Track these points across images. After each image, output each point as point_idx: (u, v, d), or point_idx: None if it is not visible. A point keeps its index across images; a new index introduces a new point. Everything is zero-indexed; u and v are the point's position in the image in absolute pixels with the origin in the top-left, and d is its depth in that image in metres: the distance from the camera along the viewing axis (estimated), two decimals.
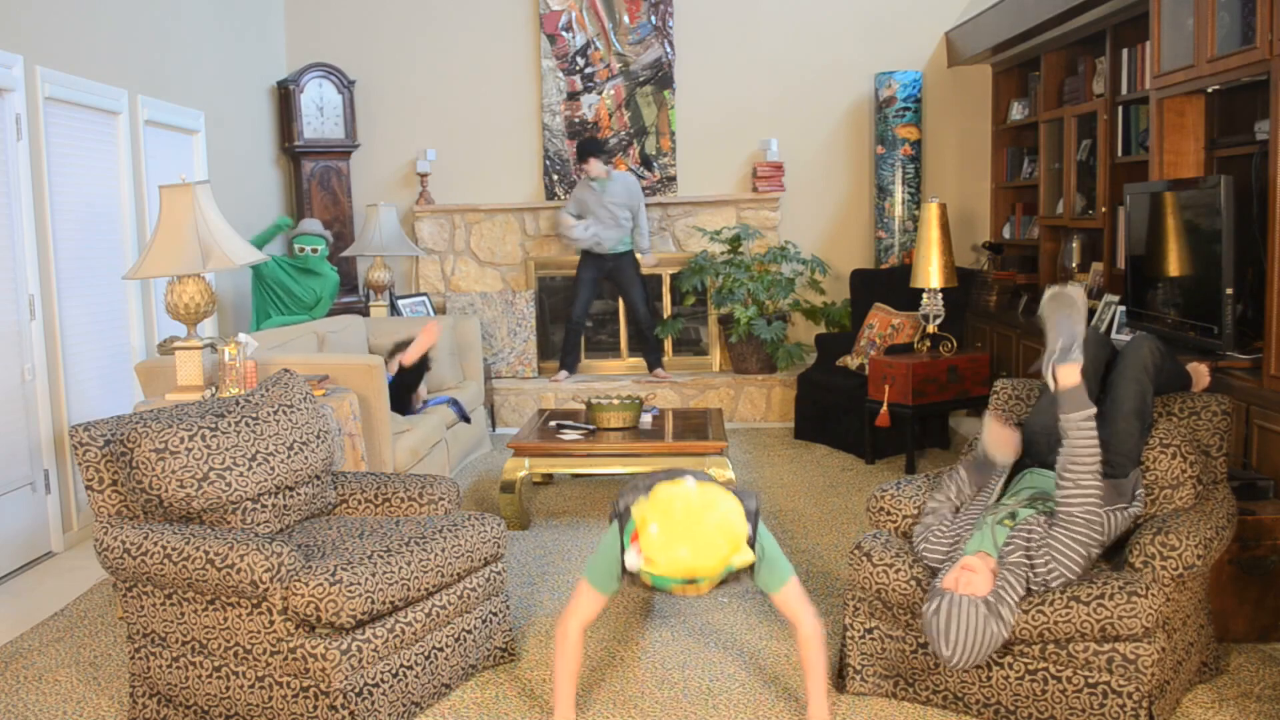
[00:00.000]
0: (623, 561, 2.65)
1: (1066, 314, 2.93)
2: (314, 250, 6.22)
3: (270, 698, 2.79)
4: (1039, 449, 3.10)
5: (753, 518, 2.73)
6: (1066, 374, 2.86)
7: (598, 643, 3.45)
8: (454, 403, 5.56)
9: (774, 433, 6.75)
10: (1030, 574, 2.74)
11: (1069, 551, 2.73)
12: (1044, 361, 2.93)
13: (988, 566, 2.73)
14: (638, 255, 7.04)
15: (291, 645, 2.73)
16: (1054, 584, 2.73)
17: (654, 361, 7.23)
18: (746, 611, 3.67)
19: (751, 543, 2.67)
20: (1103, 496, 2.80)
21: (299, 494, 3.28)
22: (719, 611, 3.68)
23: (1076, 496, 2.77)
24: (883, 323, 6.22)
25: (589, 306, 7.17)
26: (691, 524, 2.48)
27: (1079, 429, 2.81)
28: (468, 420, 5.71)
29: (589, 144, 6.84)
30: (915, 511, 3.17)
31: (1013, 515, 2.89)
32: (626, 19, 7.42)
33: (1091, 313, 5.36)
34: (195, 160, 6.14)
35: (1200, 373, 3.40)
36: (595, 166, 6.77)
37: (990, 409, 3.37)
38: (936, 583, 2.76)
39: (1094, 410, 2.83)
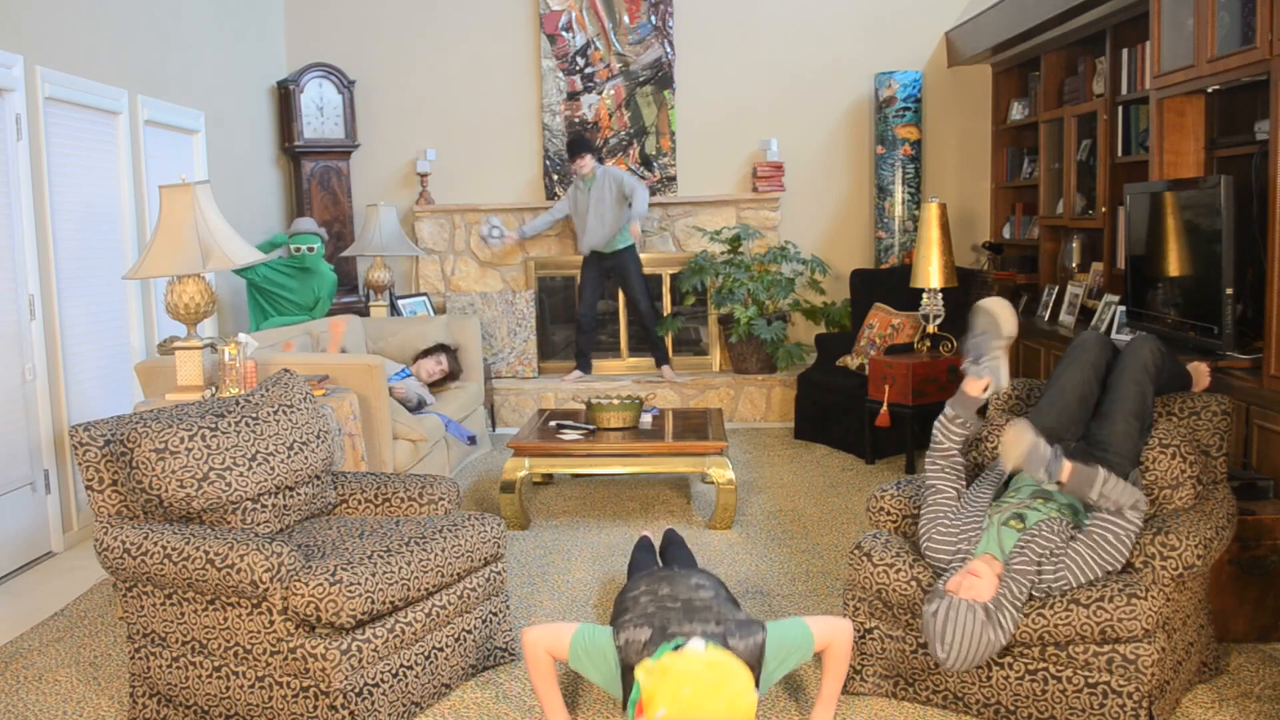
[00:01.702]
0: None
1: (1031, 457, 2.88)
2: (310, 249, 6.20)
3: (270, 698, 2.79)
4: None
5: (758, 652, 2.69)
6: (1063, 476, 2.83)
7: None
8: (452, 425, 5.50)
9: (774, 433, 6.75)
10: (1035, 579, 2.74)
11: (1087, 567, 2.73)
12: (1040, 478, 2.90)
13: (994, 572, 2.72)
14: (633, 234, 6.82)
15: (291, 645, 2.73)
16: (1056, 591, 2.73)
17: (661, 359, 7.23)
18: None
19: (758, 672, 2.64)
20: (1139, 534, 2.78)
21: (299, 494, 3.28)
22: None
23: (1118, 531, 2.75)
24: (883, 323, 6.22)
25: (595, 306, 7.17)
26: (700, 708, 2.43)
27: (1109, 497, 2.77)
28: (473, 441, 5.67)
29: (581, 141, 6.83)
30: (915, 512, 3.16)
31: (1019, 516, 2.88)
32: (626, 19, 7.42)
33: (1091, 313, 5.36)
34: (195, 160, 6.14)
35: (1201, 373, 3.40)
36: (587, 163, 6.77)
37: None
38: (940, 584, 2.76)
39: (1101, 472, 2.79)
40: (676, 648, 2.61)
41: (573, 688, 3.12)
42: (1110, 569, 2.76)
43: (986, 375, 3.03)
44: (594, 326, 7.27)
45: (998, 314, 3.04)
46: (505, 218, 7.52)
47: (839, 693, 2.85)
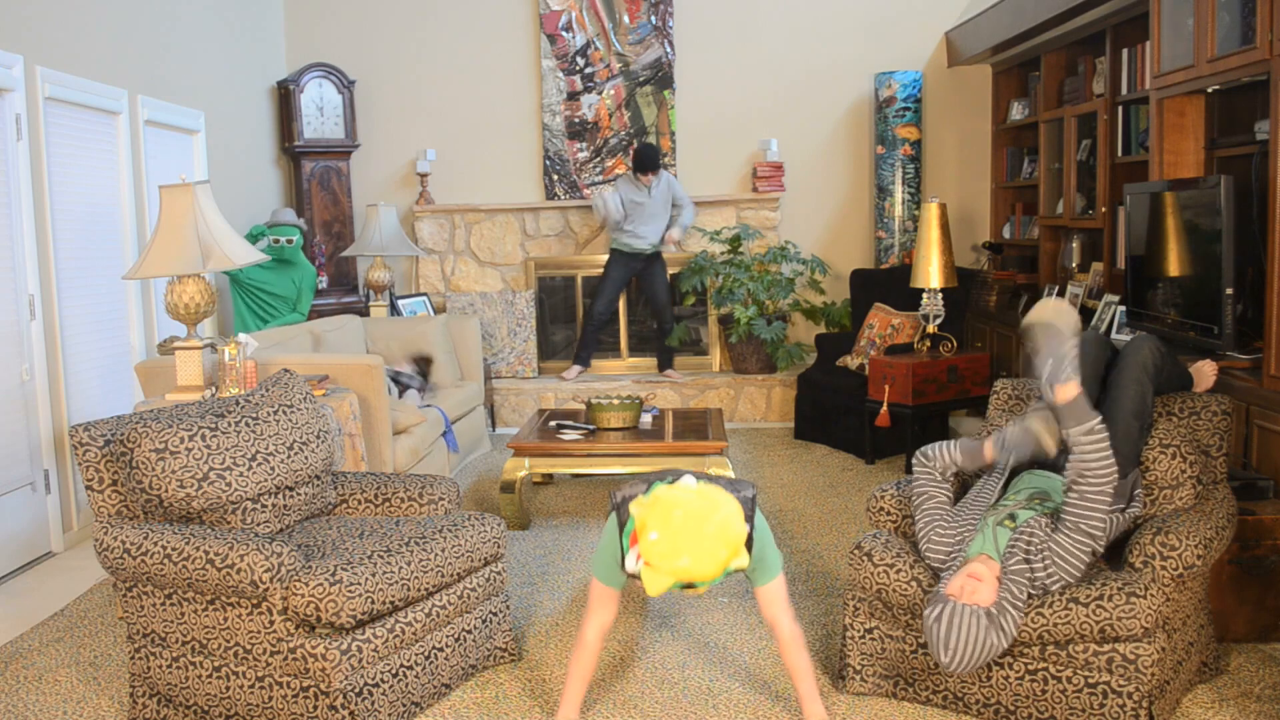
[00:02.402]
0: (622, 555, 2.66)
1: (1049, 335, 2.89)
2: (289, 241, 6.16)
3: (270, 698, 2.79)
4: (1039, 451, 3.09)
5: (749, 506, 2.73)
6: (1066, 390, 2.84)
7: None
8: (449, 433, 5.49)
9: (774, 433, 6.75)
10: (1030, 577, 2.74)
11: (1070, 557, 2.73)
12: (1041, 386, 2.90)
13: (993, 574, 2.72)
14: (671, 230, 6.91)
15: (291, 645, 2.73)
16: (1053, 588, 2.73)
17: (666, 361, 7.23)
18: (746, 611, 3.67)
19: (749, 540, 2.67)
20: (1110, 508, 2.79)
21: (299, 494, 3.28)
22: (719, 611, 3.68)
23: (1082, 508, 2.76)
24: (883, 323, 6.22)
25: (613, 304, 7.15)
26: (691, 531, 2.48)
27: (1082, 443, 2.78)
28: (454, 448, 5.65)
29: (651, 158, 6.72)
30: (912, 511, 3.16)
31: (1013, 517, 2.88)
32: (626, 19, 7.42)
33: (1091, 313, 5.36)
34: (195, 160, 6.14)
35: (1203, 373, 3.40)
36: (653, 176, 6.77)
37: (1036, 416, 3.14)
38: (941, 588, 2.75)
39: (1096, 421, 2.79)
40: (669, 484, 2.66)
41: (590, 694, 3.12)
42: (1093, 551, 2.75)
43: (1072, 375, 2.87)
44: (606, 323, 7.25)
45: (1052, 321, 2.92)
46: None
47: (816, 685, 2.87)
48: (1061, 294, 5.87)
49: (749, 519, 2.71)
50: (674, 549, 2.48)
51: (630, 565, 2.57)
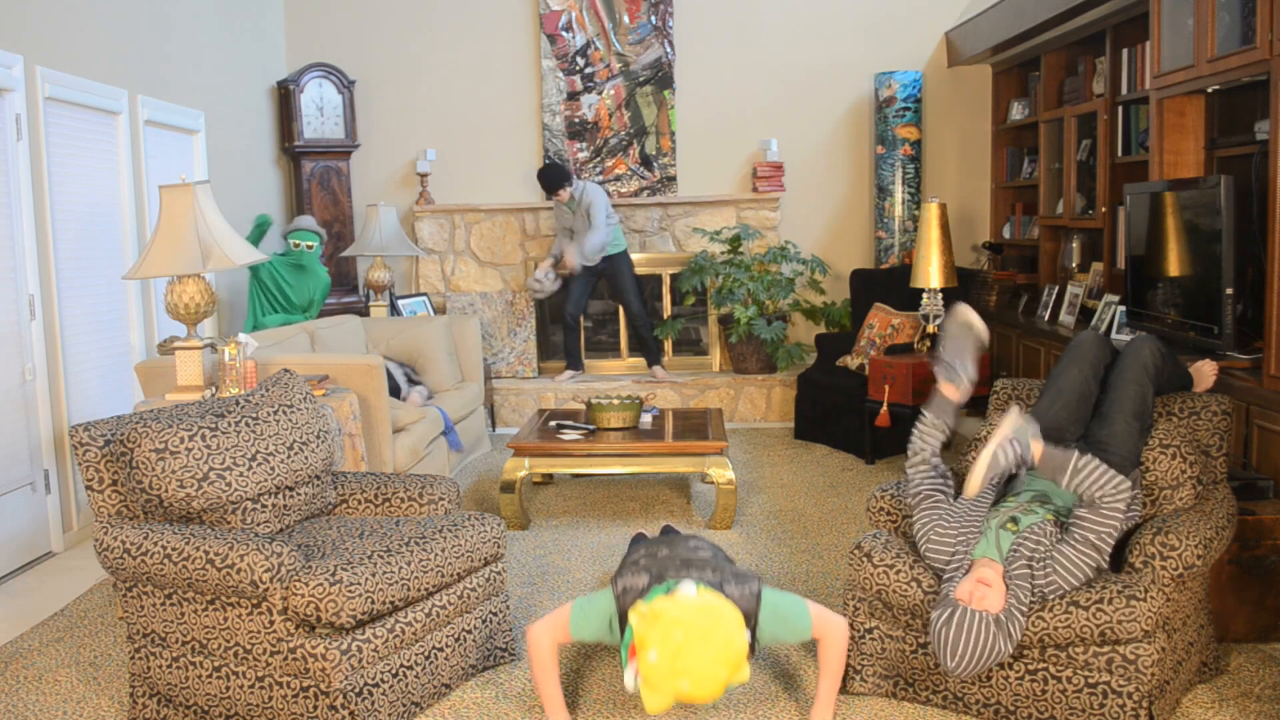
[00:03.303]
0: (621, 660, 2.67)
1: (957, 334, 3.11)
2: (309, 246, 6.17)
3: (270, 698, 2.79)
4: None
5: (754, 602, 2.71)
6: (1034, 451, 2.85)
7: (596, 643, 3.44)
8: (451, 432, 5.50)
9: (774, 433, 6.75)
10: (1031, 583, 2.74)
11: (1073, 568, 2.73)
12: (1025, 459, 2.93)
13: (1000, 578, 2.72)
14: (566, 261, 6.82)
15: (291, 645, 2.73)
16: (1050, 595, 2.73)
17: (652, 360, 7.23)
18: None
19: (752, 645, 2.67)
20: (1124, 524, 2.78)
21: (299, 494, 3.28)
22: None
23: (1096, 523, 2.75)
24: (883, 323, 6.22)
25: (581, 305, 7.14)
26: (691, 653, 2.45)
27: (1080, 483, 2.77)
28: (457, 447, 5.65)
29: (555, 177, 6.70)
30: (910, 511, 3.16)
31: (1014, 519, 2.88)
32: (626, 19, 7.42)
33: (1091, 313, 5.36)
34: (195, 160, 6.14)
35: (1204, 374, 3.40)
36: (565, 194, 6.75)
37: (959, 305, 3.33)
38: (950, 592, 2.75)
39: (1075, 458, 2.79)
40: (669, 591, 2.62)
41: (573, 687, 3.12)
42: (1098, 566, 2.75)
43: (957, 380, 3.11)
44: (579, 325, 7.26)
45: (971, 321, 3.14)
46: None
47: (837, 691, 2.86)
48: (1061, 294, 5.88)
49: (753, 618, 2.69)
50: (674, 670, 2.45)
51: (629, 683, 2.54)
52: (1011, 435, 2.84)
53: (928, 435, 3.12)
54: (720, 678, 2.48)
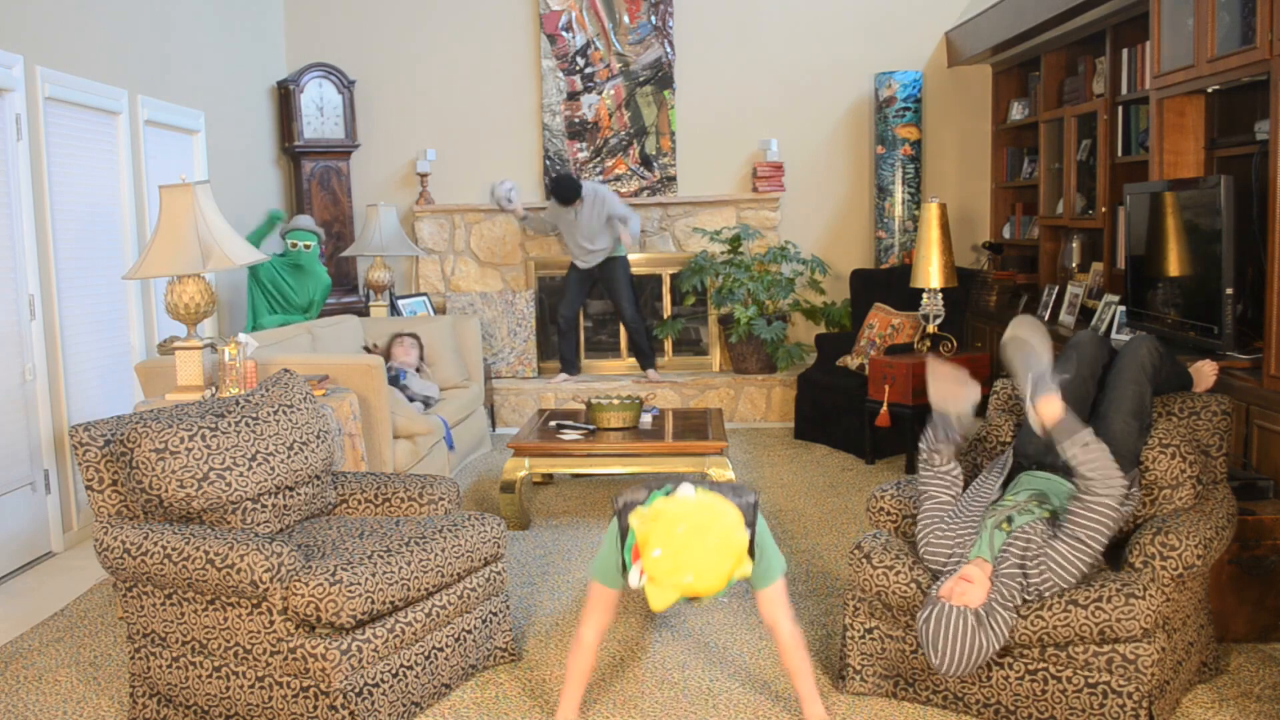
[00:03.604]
0: (624, 569, 2.67)
1: (1025, 353, 2.95)
2: (306, 246, 6.17)
3: (270, 698, 2.79)
4: (1036, 449, 3.09)
5: (751, 512, 2.73)
6: (1047, 406, 2.84)
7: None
8: (448, 434, 5.50)
9: (774, 433, 6.75)
10: (1024, 581, 2.74)
11: (1067, 564, 2.73)
12: (1025, 407, 2.92)
13: (985, 574, 2.72)
14: (626, 246, 6.90)
15: (291, 645, 2.73)
16: (1047, 593, 2.73)
17: (646, 364, 7.23)
18: (746, 611, 3.67)
19: (751, 545, 2.67)
20: (1116, 520, 2.78)
21: (299, 494, 3.28)
22: (719, 611, 3.68)
23: (1086, 519, 2.75)
24: (883, 323, 6.22)
25: (575, 307, 7.13)
26: (694, 546, 2.47)
27: (1079, 458, 2.78)
28: (450, 446, 5.66)
29: (570, 189, 6.68)
30: (915, 513, 3.16)
31: (1010, 520, 2.88)
32: (626, 19, 7.42)
33: (1091, 313, 5.36)
34: (195, 160, 6.14)
35: (1203, 374, 3.39)
36: (578, 205, 6.76)
37: (930, 358, 3.32)
38: (933, 590, 2.76)
39: (1087, 433, 2.80)
40: (668, 494, 2.66)
41: (586, 688, 3.12)
42: (1092, 563, 2.75)
43: (1054, 386, 2.91)
44: (574, 329, 7.26)
45: (1026, 338, 2.99)
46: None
47: (815, 685, 2.87)
48: (1061, 294, 5.88)
49: (750, 524, 2.71)
50: (677, 565, 2.47)
51: (634, 581, 2.56)
52: (1042, 369, 2.82)
53: (931, 435, 3.10)
54: (724, 569, 2.50)
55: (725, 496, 2.72)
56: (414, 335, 6.01)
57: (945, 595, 2.69)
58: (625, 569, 2.68)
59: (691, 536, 2.48)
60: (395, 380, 5.52)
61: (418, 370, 5.87)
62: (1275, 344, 3.54)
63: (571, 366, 7.26)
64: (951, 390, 3.06)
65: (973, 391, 3.06)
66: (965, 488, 3.14)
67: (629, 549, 2.63)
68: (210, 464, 3.01)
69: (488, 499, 5.25)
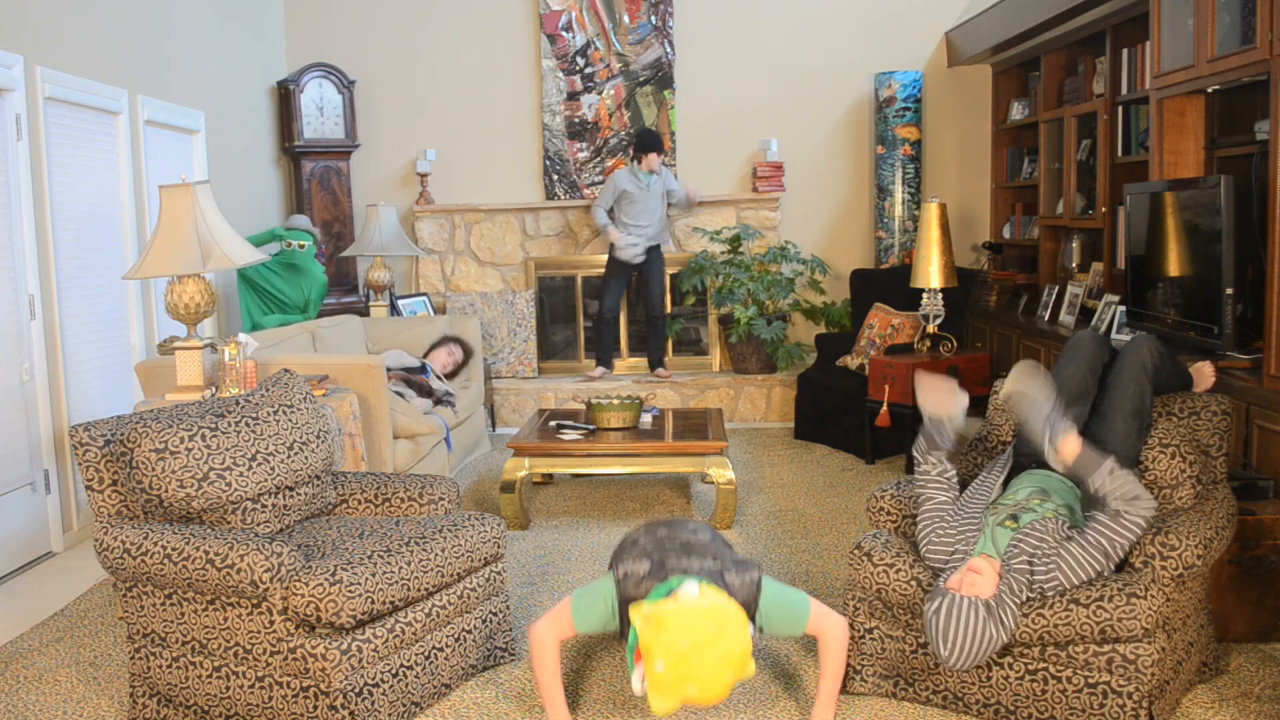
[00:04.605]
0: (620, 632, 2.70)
1: (1028, 405, 2.95)
2: (300, 246, 6.17)
3: (270, 698, 2.79)
4: (1036, 448, 3.09)
5: (754, 589, 2.74)
6: (1066, 446, 2.85)
7: (597, 641, 3.44)
8: (448, 437, 5.51)
9: (774, 433, 6.75)
10: (1029, 579, 2.74)
11: (1078, 568, 2.73)
12: (1045, 452, 2.92)
13: (993, 569, 2.73)
14: (690, 196, 7.02)
15: (291, 645, 2.73)
16: (1049, 592, 2.73)
17: (656, 360, 7.23)
18: None
19: (754, 614, 2.71)
20: (1141, 537, 2.78)
21: (299, 494, 3.28)
22: None
23: (1115, 532, 2.74)
24: (883, 323, 6.22)
25: (619, 301, 7.14)
26: (698, 661, 2.46)
27: (1111, 489, 2.77)
28: (449, 448, 5.66)
29: (654, 140, 6.77)
30: (915, 513, 3.16)
31: (1014, 517, 2.88)
32: (626, 19, 7.42)
33: (1091, 313, 5.36)
34: (195, 160, 6.14)
35: (1203, 374, 3.40)
36: (653, 160, 6.79)
37: (919, 370, 3.34)
38: (940, 582, 2.76)
39: (1112, 462, 2.80)
40: (670, 591, 2.64)
41: (573, 687, 3.12)
42: (1103, 571, 2.76)
43: (1070, 428, 2.92)
44: (616, 322, 7.24)
45: (1027, 392, 2.98)
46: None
47: (838, 691, 2.87)
48: (1061, 294, 5.88)
49: (753, 604, 2.71)
50: (681, 678, 2.47)
51: (636, 688, 2.56)
52: (1048, 408, 2.83)
53: (930, 468, 3.10)
54: (727, 680, 2.50)
55: (728, 578, 2.71)
56: (460, 342, 6.05)
57: (954, 587, 2.69)
58: (627, 663, 2.67)
59: (696, 651, 2.47)
60: (422, 369, 5.55)
61: (451, 376, 5.90)
62: (1275, 344, 3.54)
63: (609, 361, 7.25)
64: (941, 398, 3.06)
65: (961, 398, 3.08)
66: (963, 489, 3.14)
67: (630, 650, 2.62)
68: (210, 464, 3.01)
69: (488, 499, 5.25)
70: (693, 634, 2.48)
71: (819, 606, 2.85)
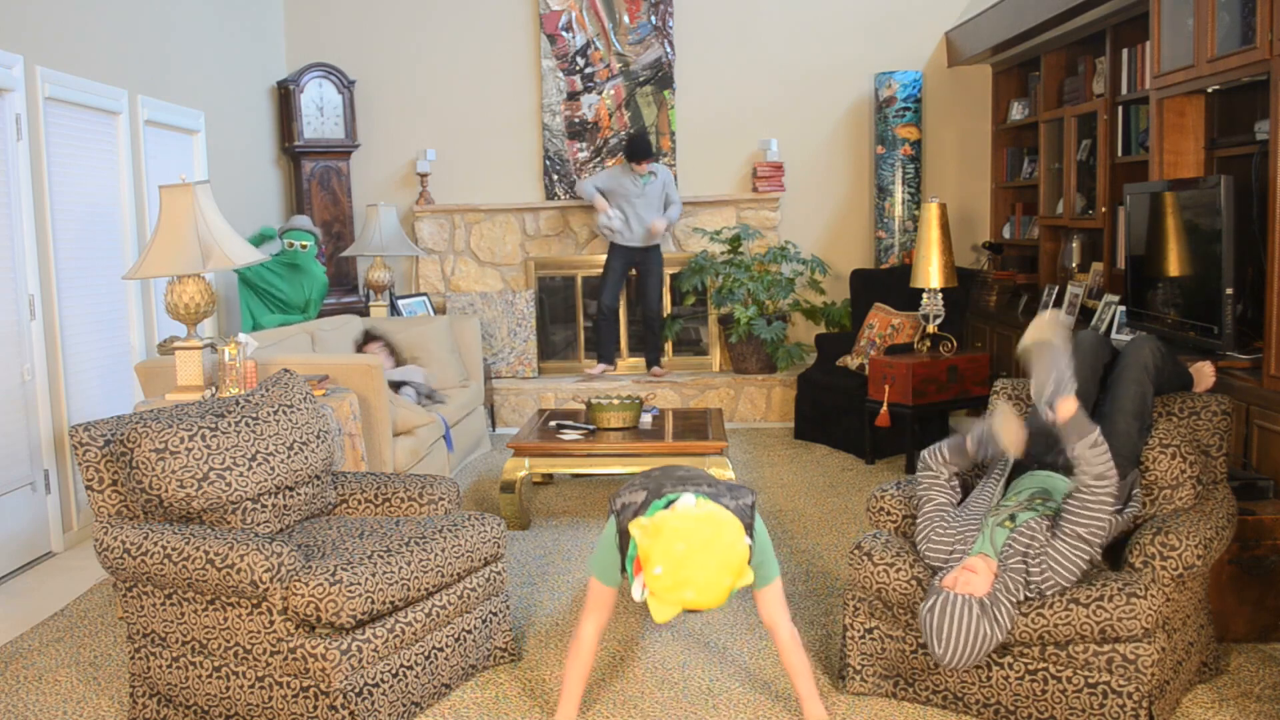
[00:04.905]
0: (623, 569, 2.69)
1: (1050, 356, 2.94)
2: (303, 246, 6.17)
3: (270, 698, 2.79)
4: (1038, 448, 3.10)
5: (749, 514, 2.74)
6: (1065, 405, 2.85)
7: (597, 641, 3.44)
8: (448, 434, 5.50)
9: (774, 433, 6.75)
10: (1027, 579, 2.74)
11: (1066, 563, 2.73)
12: (1040, 405, 2.92)
13: (990, 568, 2.73)
14: (655, 228, 6.88)
15: (291, 645, 2.73)
16: (1048, 591, 2.73)
17: (653, 359, 7.23)
18: (746, 611, 3.67)
19: (750, 534, 2.69)
20: (1112, 519, 2.78)
21: (299, 494, 3.28)
22: (719, 611, 3.68)
23: (1084, 516, 2.76)
24: (883, 323, 6.22)
25: (618, 296, 7.13)
26: (695, 562, 2.48)
27: (1086, 457, 2.78)
28: (449, 447, 5.64)
29: (645, 146, 6.76)
30: (915, 513, 3.16)
31: (1013, 518, 2.88)
32: (626, 19, 7.42)
33: (1091, 313, 5.36)
34: (195, 160, 6.14)
35: (1203, 373, 3.40)
36: (646, 166, 6.79)
37: (1003, 398, 3.36)
38: (935, 581, 2.76)
39: (1096, 433, 2.80)
40: (668, 504, 2.65)
41: (586, 689, 3.12)
42: (1090, 560, 2.75)
43: (1071, 388, 2.91)
44: (616, 318, 7.24)
45: (1048, 340, 2.96)
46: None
47: (815, 684, 2.88)
48: (1061, 294, 5.88)
49: (748, 528, 2.71)
50: (679, 582, 2.48)
51: (636, 595, 2.57)
52: (1052, 386, 2.83)
53: (939, 457, 3.09)
54: (724, 584, 2.51)
55: (723, 500, 2.72)
56: (382, 339, 5.84)
57: (949, 585, 2.70)
58: (626, 574, 2.68)
59: (692, 554, 2.48)
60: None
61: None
62: (1275, 344, 3.54)
63: (610, 358, 7.25)
64: (1019, 437, 3.00)
65: (1021, 445, 3.03)
66: (964, 490, 3.15)
67: (630, 560, 2.63)
68: (210, 464, 3.01)
69: (488, 499, 5.25)
70: (689, 538, 2.50)
71: (781, 592, 2.86)
